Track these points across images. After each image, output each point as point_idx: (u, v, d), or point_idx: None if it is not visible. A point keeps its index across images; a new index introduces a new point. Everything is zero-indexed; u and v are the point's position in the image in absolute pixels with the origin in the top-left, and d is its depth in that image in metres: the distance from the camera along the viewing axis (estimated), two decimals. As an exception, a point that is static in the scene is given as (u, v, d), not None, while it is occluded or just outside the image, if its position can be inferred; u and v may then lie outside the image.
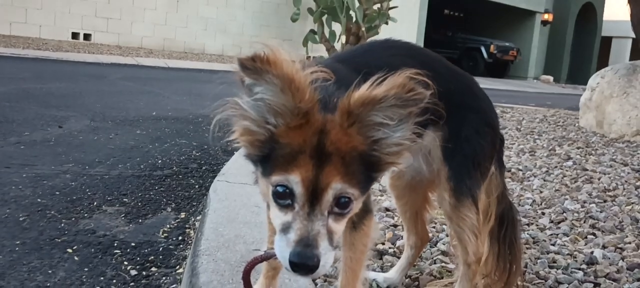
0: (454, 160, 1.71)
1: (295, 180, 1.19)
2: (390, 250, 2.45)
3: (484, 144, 1.76)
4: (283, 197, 1.22)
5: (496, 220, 1.87)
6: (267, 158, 1.25)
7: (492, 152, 1.82)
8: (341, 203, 1.22)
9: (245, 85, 1.23)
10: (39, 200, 3.06)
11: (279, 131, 1.23)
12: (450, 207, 1.74)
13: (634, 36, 11.15)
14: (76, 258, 2.42)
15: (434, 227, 2.72)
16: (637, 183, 3.85)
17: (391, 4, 16.66)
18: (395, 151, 1.27)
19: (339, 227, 1.25)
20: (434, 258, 2.39)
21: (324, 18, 16.44)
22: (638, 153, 5.16)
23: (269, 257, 1.51)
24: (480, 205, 1.76)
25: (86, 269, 2.33)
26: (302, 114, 1.20)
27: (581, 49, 28.50)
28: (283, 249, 1.19)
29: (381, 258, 2.38)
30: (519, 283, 2.03)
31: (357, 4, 16.06)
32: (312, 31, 16.73)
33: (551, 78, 25.84)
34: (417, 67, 1.70)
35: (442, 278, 2.18)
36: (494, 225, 1.86)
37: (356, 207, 1.29)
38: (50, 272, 2.27)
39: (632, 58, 24.39)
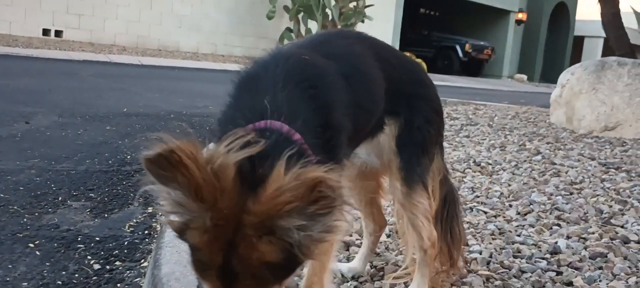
0: (406, 150, 1.75)
1: None
2: (358, 242, 2.45)
3: (432, 131, 1.82)
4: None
5: (440, 203, 1.92)
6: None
7: (438, 138, 1.88)
8: None
9: None
10: (1, 195, 3.00)
11: (189, 233, 1.13)
12: (403, 195, 1.77)
13: (605, 36, 11.40)
14: (38, 253, 2.38)
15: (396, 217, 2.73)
16: (603, 177, 3.91)
17: (367, 2, 16.72)
18: (317, 244, 1.14)
19: None
20: (400, 249, 2.39)
21: (300, 16, 16.44)
22: (605, 148, 5.25)
23: None
24: (430, 190, 1.79)
25: (48, 264, 2.29)
26: (209, 227, 1.10)
27: (554, 48, 28.91)
28: None
29: (348, 250, 2.38)
30: (462, 264, 2.06)
31: (333, 2, 16.09)
32: (288, 29, 16.71)
33: (525, 77, 26.16)
34: (372, 55, 1.71)
35: (407, 267, 2.19)
36: (438, 207, 1.91)
37: None
38: (10, 266, 2.23)
39: (603, 57, 24.80)
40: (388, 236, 2.55)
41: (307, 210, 1.05)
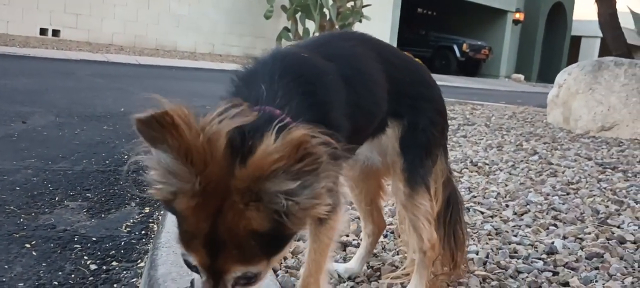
0: (410, 151, 1.75)
1: (194, 261, 1.15)
2: (354, 242, 2.45)
3: (436, 132, 1.81)
4: (189, 265, 1.19)
5: (442, 205, 1.91)
6: (175, 216, 1.18)
7: (441, 139, 1.87)
8: (247, 278, 1.17)
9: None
10: (-2, 195, 2.99)
11: (177, 201, 1.13)
12: (405, 196, 1.76)
13: (602, 36, 11.44)
14: (34, 253, 2.37)
15: (398, 219, 2.73)
16: (600, 177, 3.92)
17: (365, 2, 16.72)
18: (306, 212, 1.13)
19: None
20: (397, 249, 2.40)
21: (298, 15, 16.43)
22: (602, 148, 5.26)
23: None
24: (432, 192, 1.79)
25: (44, 264, 2.28)
26: (197, 191, 1.10)
27: (551, 48, 28.95)
28: None
29: (345, 250, 2.38)
30: (464, 266, 2.06)
31: (330, 2, 16.08)
32: (286, 29, 16.71)
33: (522, 76, 26.20)
34: (375, 56, 1.71)
35: (405, 268, 2.19)
36: (441, 209, 1.90)
37: (266, 273, 1.22)
38: (6, 267, 2.22)
39: (600, 57, 24.82)
40: (385, 236, 2.55)
41: (293, 168, 1.04)
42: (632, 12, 10.16)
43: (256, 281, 1.19)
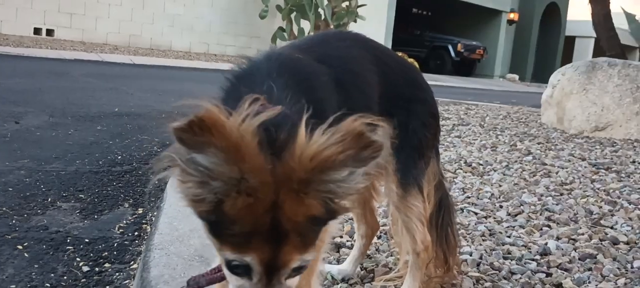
0: (402, 152, 1.74)
1: (252, 261, 1.10)
2: (348, 243, 2.45)
3: (428, 134, 1.81)
4: (237, 269, 1.13)
5: (434, 207, 1.91)
6: (217, 223, 1.12)
7: (434, 142, 1.87)
8: (300, 268, 1.15)
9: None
10: (-10, 196, 2.98)
11: (226, 205, 1.08)
12: (398, 197, 1.76)
13: (596, 36, 11.50)
14: (26, 255, 2.36)
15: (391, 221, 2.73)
16: (593, 177, 3.93)
17: (360, 2, 16.73)
18: (352, 195, 1.15)
19: (296, 281, 1.19)
20: (391, 251, 2.39)
21: (293, 15, 16.43)
22: (596, 149, 5.28)
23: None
24: (425, 193, 1.79)
25: (36, 266, 2.27)
26: (249, 188, 1.06)
27: (546, 48, 29.03)
28: None
29: (338, 251, 2.37)
30: (456, 269, 2.06)
31: (325, 2, 16.09)
32: (281, 29, 16.71)
33: (517, 76, 26.26)
34: (369, 58, 1.71)
35: (398, 270, 2.19)
36: (433, 212, 1.90)
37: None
38: (-2, 269, 2.21)
39: (594, 57, 24.86)
40: (378, 237, 2.54)
41: (360, 156, 1.05)
42: (626, 13, 10.21)
43: (302, 271, 1.18)
